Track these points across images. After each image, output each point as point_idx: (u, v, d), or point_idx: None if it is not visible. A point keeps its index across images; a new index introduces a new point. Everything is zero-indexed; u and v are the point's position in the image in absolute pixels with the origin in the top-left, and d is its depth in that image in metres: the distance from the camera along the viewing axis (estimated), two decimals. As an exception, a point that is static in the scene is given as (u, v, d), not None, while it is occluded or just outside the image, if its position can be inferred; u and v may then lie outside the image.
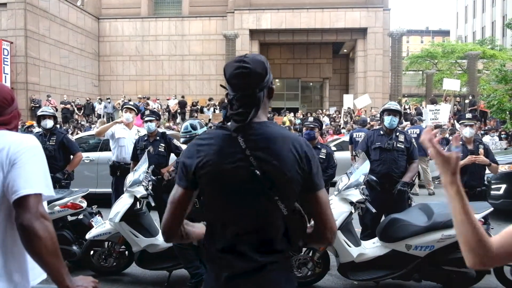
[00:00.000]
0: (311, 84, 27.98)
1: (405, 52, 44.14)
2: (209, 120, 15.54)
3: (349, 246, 3.59)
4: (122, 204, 3.94)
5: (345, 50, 26.52)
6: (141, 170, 4.06)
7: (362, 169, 3.72)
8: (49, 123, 5.07)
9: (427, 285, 3.79)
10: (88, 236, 4.01)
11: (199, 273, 3.59)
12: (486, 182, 4.82)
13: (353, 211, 3.61)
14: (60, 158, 5.01)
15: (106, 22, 24.26)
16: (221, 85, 1.50)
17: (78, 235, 4.29)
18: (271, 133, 1.36)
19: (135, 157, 4.96)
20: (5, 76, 17.76)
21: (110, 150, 5.89)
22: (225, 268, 1.34)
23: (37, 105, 17.41)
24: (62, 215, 4.20)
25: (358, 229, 4.16)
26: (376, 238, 3.76)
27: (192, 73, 23.85)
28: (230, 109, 1.38)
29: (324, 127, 13.83)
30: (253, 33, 22.75)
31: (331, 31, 22.64)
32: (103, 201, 5.62)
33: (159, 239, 3.96)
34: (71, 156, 5.10)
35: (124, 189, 4.06)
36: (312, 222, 1.43)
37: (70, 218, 4.46)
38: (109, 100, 19.08)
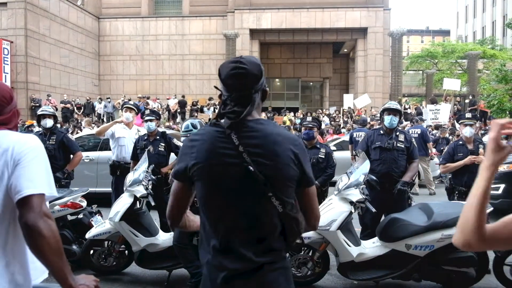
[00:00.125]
0: (311, 83, 27.99)
1: (405, 52, 44.08)
2: (209, 119, 15.54)
3: (349, 246, 3.59)
4: (122, 203, 3.93)
5: (345, 50, 26.54)
6: (141, 169, 4.06)
7: (362, 168, 3.72)
8: (49, 123, 5.08)
9: (427, 285, 3.78)
10: (88, 235, 4.01)
11: (199, 273, 3.58)
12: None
13: (353, 210, 3.60)
14: (60, 157, 5.01)
15: (106, 22, 24.27)
16: (215, 87, 1.51)
17: (78, 235, 4.30)
18: (264, 130, 1.36)
19: (135, 157, 4.95)
20: (5, 76, 17.78)
21: (110, 149, 5.89)
22: (221, 268, 1.34)
23: (37, 104, 17.43)
24: (62, 215, 4.20)
25: (358, 228, 4.16)
26: (376, 238, 3.75)
27: (192, 73, 23.86)
28: (223, 109, 1.39)
29: (324, 126, 13.84)
30: (254, 32, 22.75)
31: (331, 30, 22.65)
32: (103, 201, 5.62)
33: (159, 239, 3.97)
34: (71, 156, 5.11)
35: (124, 188, 4.05)
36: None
37: (70, 218, 4.46)
38: (109, 100, 19.09)
